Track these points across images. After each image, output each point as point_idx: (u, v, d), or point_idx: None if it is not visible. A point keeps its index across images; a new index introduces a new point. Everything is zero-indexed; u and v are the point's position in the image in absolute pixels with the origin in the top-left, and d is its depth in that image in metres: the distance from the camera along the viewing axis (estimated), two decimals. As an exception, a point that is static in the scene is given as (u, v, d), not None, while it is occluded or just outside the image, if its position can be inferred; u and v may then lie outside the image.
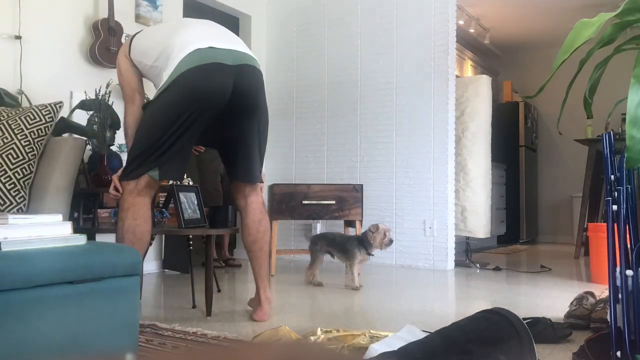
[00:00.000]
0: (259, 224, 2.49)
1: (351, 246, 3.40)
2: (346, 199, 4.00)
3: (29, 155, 2.28)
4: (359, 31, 4.81)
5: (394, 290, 3.58)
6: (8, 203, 2.20)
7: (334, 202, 3.98)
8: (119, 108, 3.69)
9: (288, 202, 4.01)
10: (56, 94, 3.41)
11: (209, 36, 2.26)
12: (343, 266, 4.02)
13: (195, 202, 2.92)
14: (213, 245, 2.68)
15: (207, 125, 2.27)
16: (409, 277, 4.01)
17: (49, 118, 2.37)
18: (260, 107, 2.36)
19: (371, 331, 2.06)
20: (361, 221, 4.05)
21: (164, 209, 3.13)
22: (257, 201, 2.51)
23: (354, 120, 4.74)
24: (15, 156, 2.25)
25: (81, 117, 3.48)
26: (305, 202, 4.00)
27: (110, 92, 3.35)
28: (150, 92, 4.15)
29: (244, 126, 2.34)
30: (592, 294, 2.51)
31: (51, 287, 1.49)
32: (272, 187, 4.09)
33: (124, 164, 2.35)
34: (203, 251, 2.71)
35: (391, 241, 3.33)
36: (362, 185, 4.06)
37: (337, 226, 4.72)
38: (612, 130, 3.74)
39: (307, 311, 2.74)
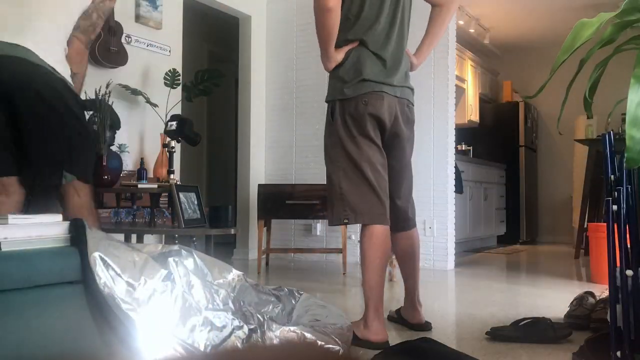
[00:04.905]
0: None
1: None
2: None
3: (29, 155, 2.28)
4: (359, 31, 4.80)
5: (394, 290, 3.58)
6: (8, 203, 2.20)
7: (317, 202, 3.94)
8: (119, 108, 3.69)
9: (273, 202, 4.06)
10: (56, 94, 3.39)
11: None
12: (341, 267, 4.03)
13: (195, 202, 2.92)
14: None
15: None
16: (409, 277, 4.00)
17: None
18: None
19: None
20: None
21: (163, 209, 3.13)
22: None
23: (354, 120, 4.73)
24: (15, 156, 2.24)
25: (81, 117, 3.47)
26: (289, 201, 4.02)
27: (110, 92, 3.34)
28: (156, 95, 4.11)
29: None
30: (592, 294, 2.51)
31: (51, 287, 1.49)
32: (258, 187, 4.18)
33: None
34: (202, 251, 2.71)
35: None
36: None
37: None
38: (612, 130, 3.73)
39: (307, 311, 2.73)
